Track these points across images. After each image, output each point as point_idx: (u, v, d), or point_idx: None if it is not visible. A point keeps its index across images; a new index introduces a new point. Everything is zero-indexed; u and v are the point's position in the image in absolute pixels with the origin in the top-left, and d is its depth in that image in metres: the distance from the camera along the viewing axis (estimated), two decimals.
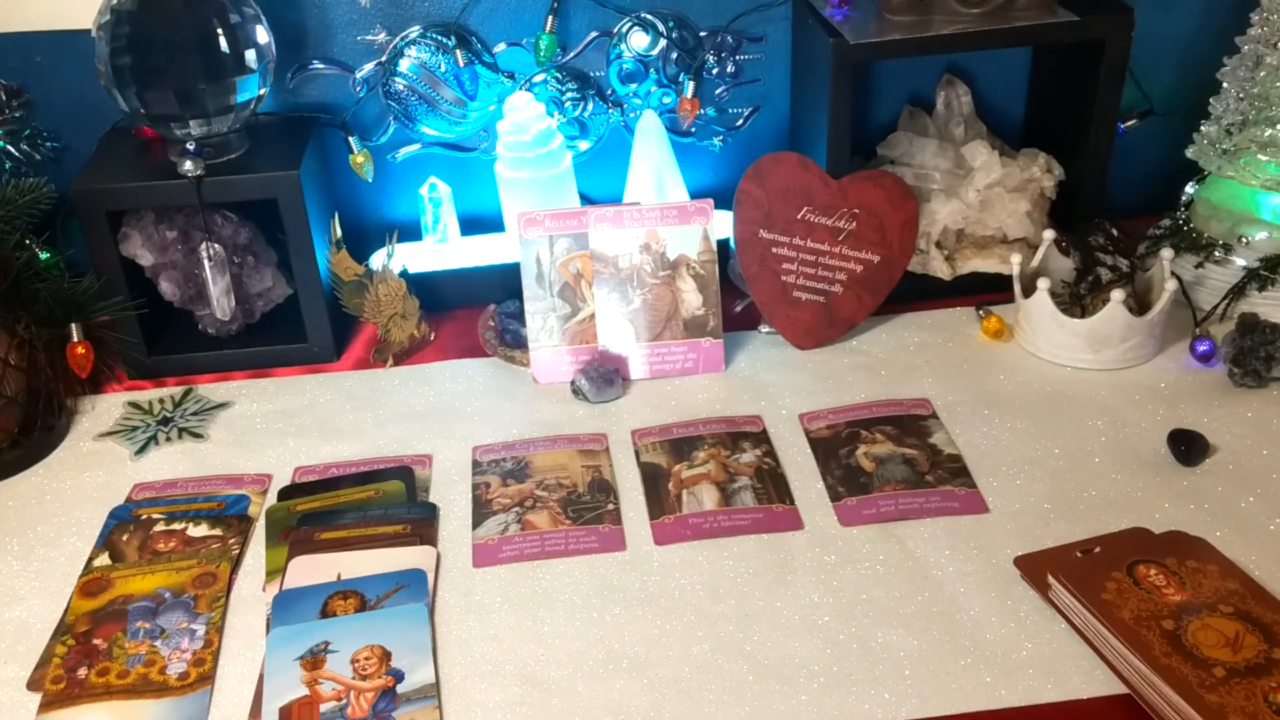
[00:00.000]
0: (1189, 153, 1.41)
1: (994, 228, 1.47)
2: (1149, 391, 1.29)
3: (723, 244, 1.40)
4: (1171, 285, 1.30)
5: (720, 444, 1.24)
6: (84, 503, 1.21)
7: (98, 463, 1.27)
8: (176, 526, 1.16)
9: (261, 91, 1.32)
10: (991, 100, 1.58)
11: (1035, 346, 1.35)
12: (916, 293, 1.45)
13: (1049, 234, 1.40)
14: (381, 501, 1.18)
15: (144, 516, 1.18)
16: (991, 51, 1.54)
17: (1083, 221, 1.39)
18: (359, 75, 1.45)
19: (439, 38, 1.44)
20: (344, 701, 0.96)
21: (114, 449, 1.29)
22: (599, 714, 0.94)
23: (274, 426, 1.31)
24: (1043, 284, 1.32)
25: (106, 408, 1.35)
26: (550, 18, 1.43)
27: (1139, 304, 1.34)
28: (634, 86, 1.49)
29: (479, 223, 1.56)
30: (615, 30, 1.46)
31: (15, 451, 1.26)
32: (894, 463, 1.20)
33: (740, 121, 1.56)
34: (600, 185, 1.58)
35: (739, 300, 1.46)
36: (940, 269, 1.46)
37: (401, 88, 1.46)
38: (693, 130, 1.54)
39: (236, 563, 1.12)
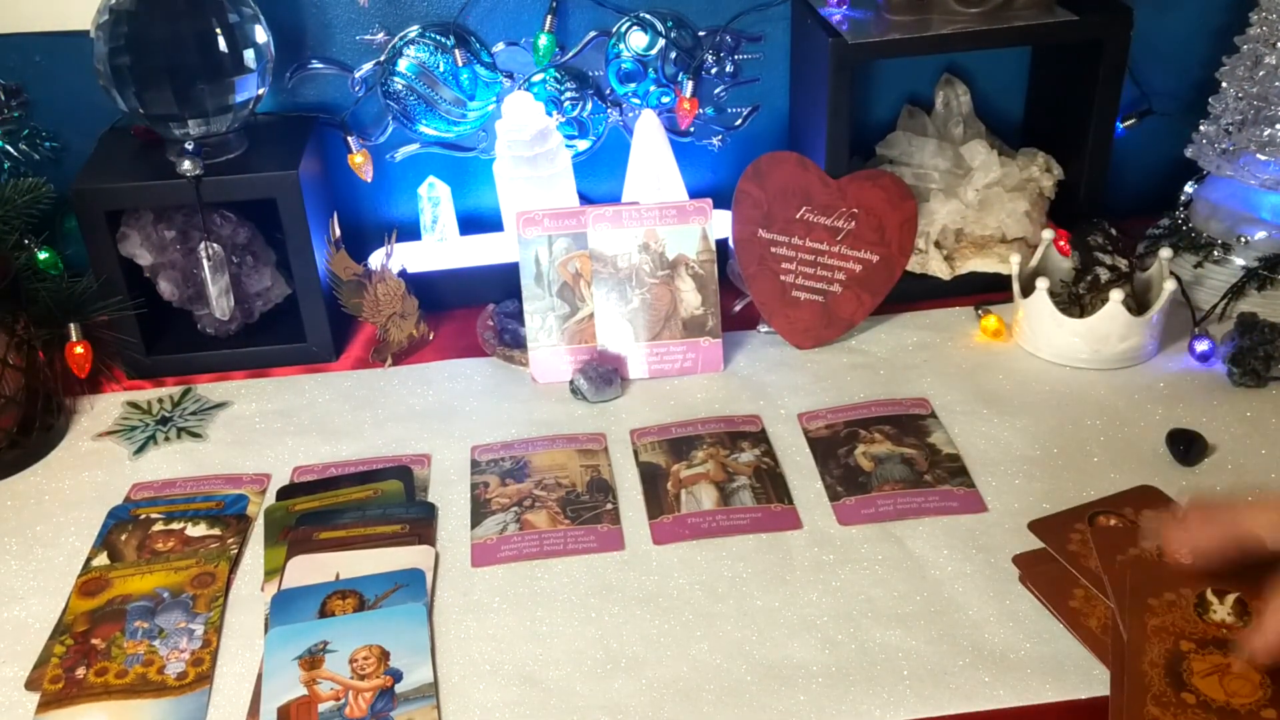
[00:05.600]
0: (1188, 152, 1.41)
1: (993, 227, 1.47)
2: (1148, 391, 1.29)
3: (721, 243, 1.40)
4: (1170, 285, 1.30)
5: (719, 443, 1.24)
6: (83, 502, 1.21)
7: (96, 462, 1.27)
8: (175, 526, 1.16)
9: (260, 91, 1.32)
10: (991, 100, 1.58)
11: (1034, 346, 1.35)
12: (915, 292, 1.45)
13: (1048, 234, 1.40)
14: (380, 501, 1.18)
15: (142, 516, 1.18)
16: (991, 51, 1.54)
17: (1082, 221, 1.39)
18: (358, 75, 1.45)
19: (438, 37, 1.44)
20: (342, 701, 0.96)
21: (113, 449, 1.29)
22: (597, 713, 0.94)
23: (273, 426, 1.31)
24: (1041, 284, 1.32)
25: (105, 407, 1.35)
26: (549, 17, 1.43)
27: (1138, 304, 1.34)
28: (633, 86, 1.49)
29: (478, 222, 1.56)
30: (614, 30, 1.46)
31: (14, 451, 1.26)
32: (893, 462, 1.20)
33: (739, 121, 1.56)
34: (599, 185, 1.58)
35: (738, 300, 1.46)
36: (939, 269, 1.46)
37: (400, 87, 1.46)
38: (691, 130, 1.54)
39: (235, 562, 1.12)
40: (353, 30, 1.44)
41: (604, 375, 1.32)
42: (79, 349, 1.31)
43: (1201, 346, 1.31)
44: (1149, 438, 1.21)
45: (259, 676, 0.99)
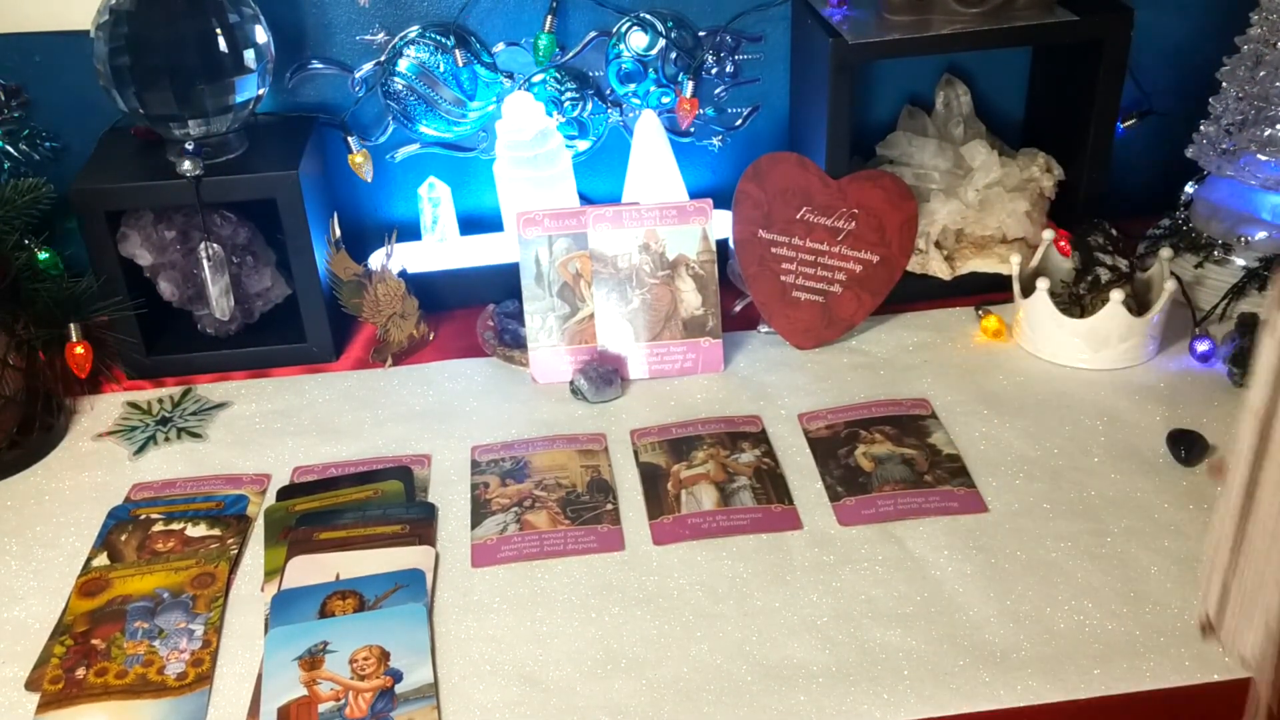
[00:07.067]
0: (1189, 153, 1.41)
1: (993, 227, 1.47)
2: (1148, 391, 1.29)
3: (722, 244, 1.40)
4: (1171, 285, 1.30)
5: (719, 444, 1.24)
6: (83, 503, 1.21)
7: (96, 463, 1.27)
8: (175, 526, 1.16)
9: (260, 91, 1.32)
10: (991, 100, 1.58)
11: (1034, 346, 1.35)
12: (916, 293, 1.45)
13: (1048, 234, 1.40)
14: (380, 501, 1.17)
15: (143, 516, 1.18)
16: (991, 51, 1.54)
17: (1082, 221, 1.39)
18: (358, 75, 1.45)
19: (438, 38, 1.44)
20: (342, 702, 0.96)
21: (113, 449, 1.29)
22: (597, 714, 0.94)
23: (273, 426, 1.31)
24: (1042, 284, 1.32)
25: (105, 408, 1.35)
26: (549, 17, 1.43)
27: (1138, 304, 1.34)
28: (633, 86, 1.49)
29: (478, 222, 1.56)
30: (614, 30, 1.46)
31: (14, 451, 1.26)
32: (893, 463, 1.20)
33: (739, 121, 1.55)
34: (599, 185, 1.58)
35: (738, 300, 1.46)
36: (939, 269, 1.46)
37: (400, 88, 1.46)
38: (692, 130, 1.54)
39: (235, 563, 1.12)
40: (353, 30, 1.44)
41: (604, 375, 1.32)
42: (79, 349, 1.31)
43: (1202, 347, 1.31)
44: (1149, 438, 1.21)
45: (259, 677, 0.99)
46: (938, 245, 1.48)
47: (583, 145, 1.54)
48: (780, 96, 1.55)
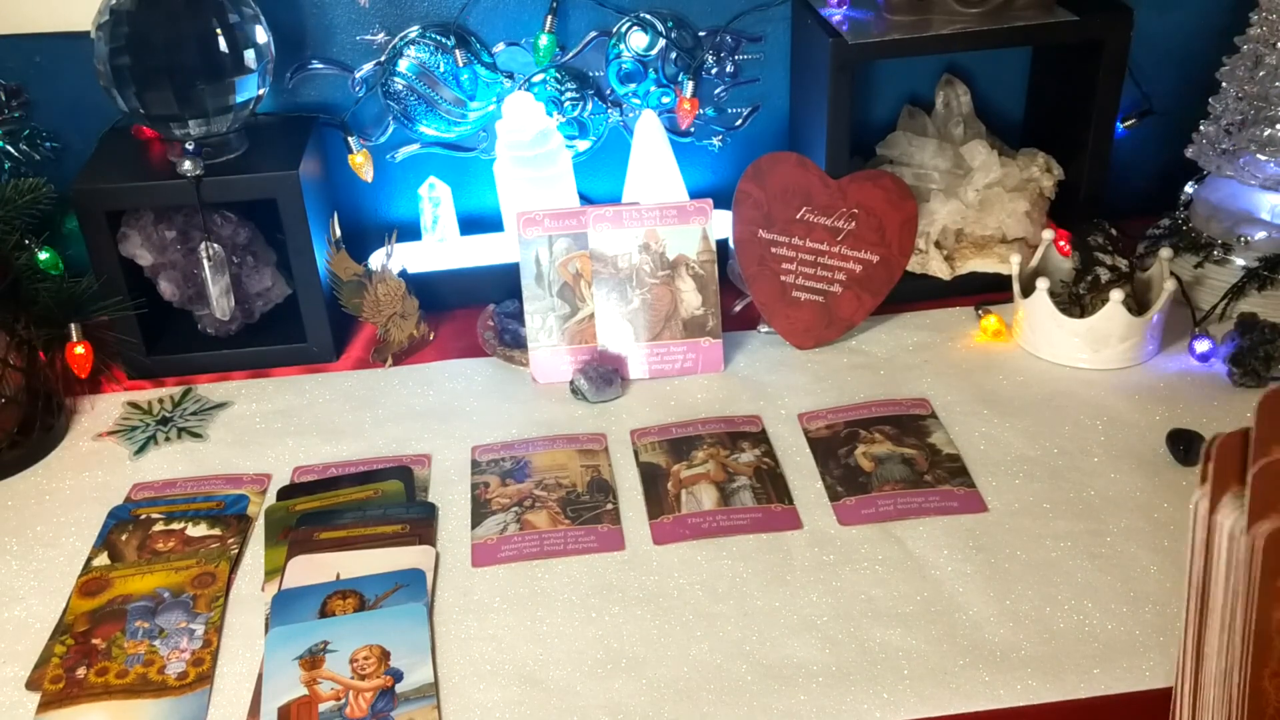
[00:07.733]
0: (1188, 153, 1.41)
1: (993, 227, 1.47)
2: (1148, 391, 1.29)
3: (722, 244, 1.40)
4: (1170, 285, 1.30)
5: (719, 444, 1.24)
6: (83, 502, 1.21)
7: (97, 462, 1.27)
8: (175, 526, 1.16)
9: (260, 91, 1.32)
10: (991, 100, 1.58)
11: (1034, 346, 1.35)
12: (916, 292, 1.45)
13: (1048, 234, 1.40)
14: (380, 501, 1.18)
15: (143, 516, 1.18)
16: (991, 51, 1.54)
17: (1082, 221, 1.39)
18: (358, 75, 1.45)
19: (438, 38, 1.44)
20: (343, 701, 0.96)
21: (113, 449, 1.29)
22: (598, 713, 0.94)
23: (273, 426, 1.31)
24: (1042, 284, 1.32)
25: (106, 407, 1.35)
26: (549, 18, 1.43)
27: (1138, 304, 1.34)
28: (633, 86, 1.49)
29: (478, 222, 1.56)
30: (614, 30, 1.46)
31: (14, 451, 1.26)
32: (893, 462, 1.20)
33: (739, 121, 1.56)
34: (599, 185, 1.58)
35: (738, 300, 1.46)
36: (939, 269, 1.46)
37: (401, 88, 1.46)
38: (692, 130, 1.54)
39: (235, 562, 1.12)
40: (353, 30, 1.44)
41: (604, 375, 1.32)
42: (79, 349, 1.31)
43: (1202, 346, 1.31)
44: (1149, 438, 1.21)
45: (259, 676, 0.99)
46: (938, 245, 1.48)
47: (583, 145, 1.54)
48: (780, 96, 1.55)
